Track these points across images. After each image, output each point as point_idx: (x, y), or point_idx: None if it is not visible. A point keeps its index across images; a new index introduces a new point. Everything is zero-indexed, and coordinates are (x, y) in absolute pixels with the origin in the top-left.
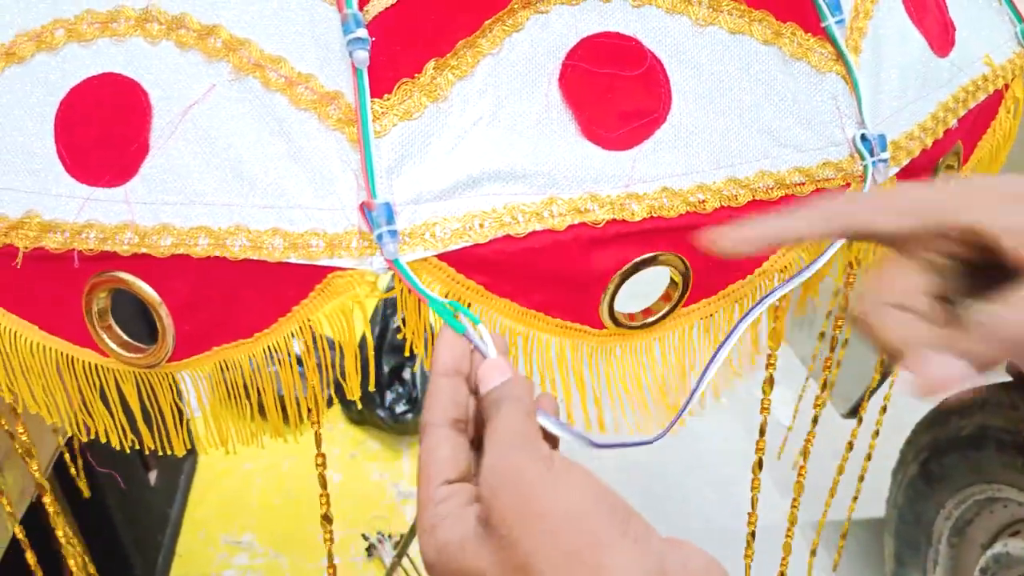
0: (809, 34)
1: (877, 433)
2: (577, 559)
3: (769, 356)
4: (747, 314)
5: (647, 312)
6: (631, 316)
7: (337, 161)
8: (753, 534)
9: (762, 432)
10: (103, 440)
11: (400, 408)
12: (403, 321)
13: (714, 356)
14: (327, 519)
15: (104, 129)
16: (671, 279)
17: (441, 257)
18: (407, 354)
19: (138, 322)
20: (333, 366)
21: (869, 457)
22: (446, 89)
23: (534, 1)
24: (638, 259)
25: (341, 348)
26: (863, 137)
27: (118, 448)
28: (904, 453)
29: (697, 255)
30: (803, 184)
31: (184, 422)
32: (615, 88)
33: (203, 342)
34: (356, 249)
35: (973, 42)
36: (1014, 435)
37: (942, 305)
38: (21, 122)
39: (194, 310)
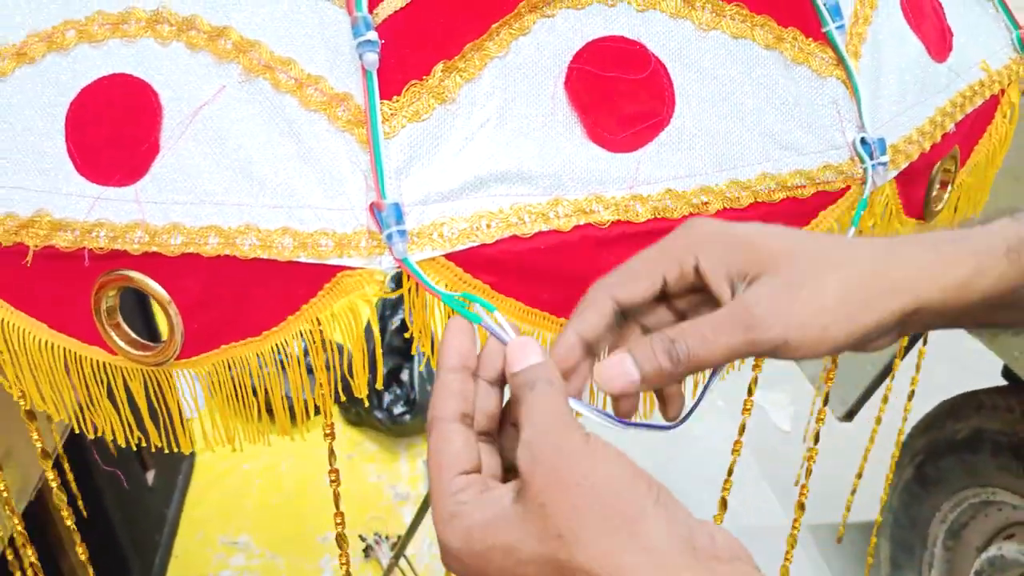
0: (810, 39)
1: (900, 437)
2: (614, 524)
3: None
4: None
5: None
6: None
7: (346, 162)
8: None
9: (741, 432)
10: (109, 438)
11: (398, 409)
12: (409, 320)
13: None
14: (343, 539)
15: (115, 129)
16: None
17: (448, 257)
18: (405, 356)
19: (134, 320)
20: (340, 365)
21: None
22: (454, 91)
23: (540, 5)
24: None
25: (340, 347)
26: (863, 141)
27: (124, 446)
28: (900, 456)
29: None
30: (804, 186)
31: (188, 420)
32: (620, 91)
33: (212, 340)
34: (365, 249)
35: (970, 48)
36: (1010, 438)
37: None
38: (32, 122)
39: (203, 308)
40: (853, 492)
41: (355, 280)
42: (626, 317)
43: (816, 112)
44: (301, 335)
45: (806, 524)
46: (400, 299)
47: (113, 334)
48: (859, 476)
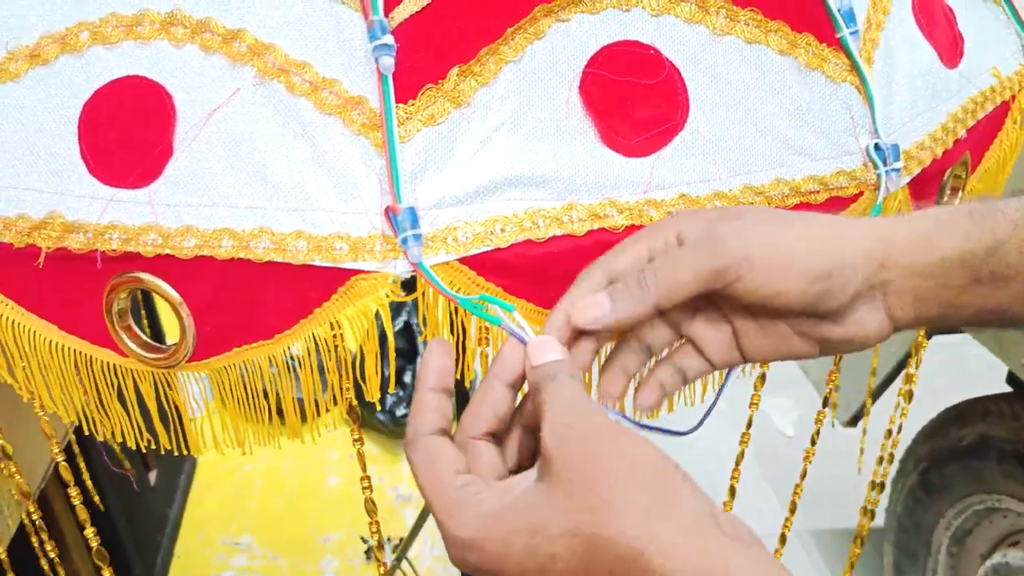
0: (824, 44)
1: (893, 437)
2: (646, 496)
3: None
4: None
5: None
6: None
7: (361, 165)
8: None
9: (748, 425)
10: (119, 440)
11: (400, 411)
12: (423, 325)
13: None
14: (380, 546)
15: (128, 131)
16: None
17: (462, 261)
18: (408, 358)
19: (138, 321)
20: (352, 368)
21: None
22: (469, 95)
23: (556, 10)
24: None
25: (344, 348)
26: (876, 147)
27: (133, 448)
28: (904, 462)
29: None
30: (817, 192)
31: (199, 423)
32: (634, 96)
33: (224, 343)
34: (380, 252)
35: (981, 54)
36: (1015, 445)
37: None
38: (45, 123)
39: (216, 311)
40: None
41: (369, 284)
42: None
43: (830, 118)
44: (314, 338)
45: (810, 529)
46: (401, 301)
47: (124, 336)
48: (875, 486)
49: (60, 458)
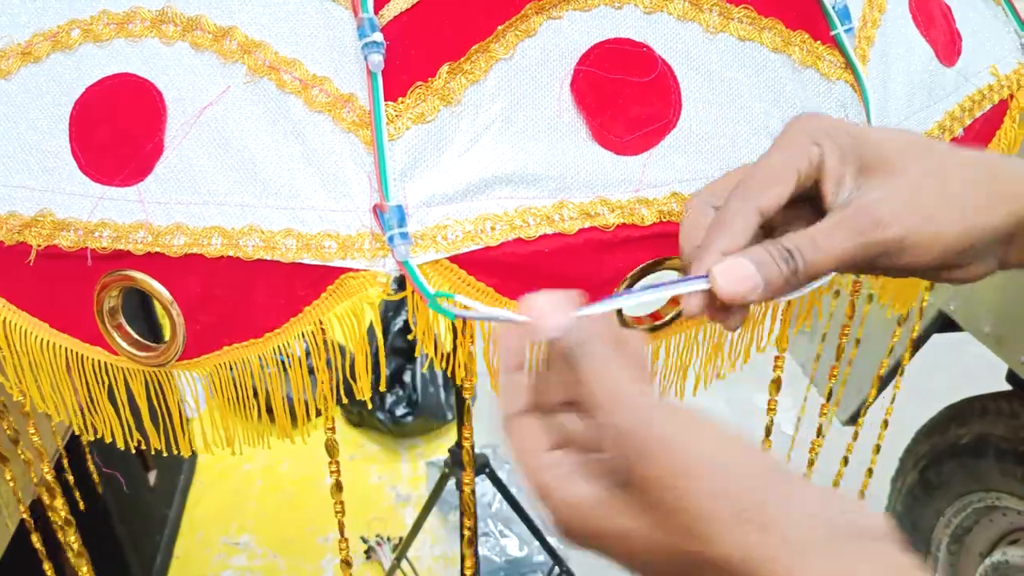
0: (818, 42)
1: (878, 447)
2: (742, 514)
3: (776, 359)
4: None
5: (655, 316)
6: (639, 320)
7: (351, 163)
8: None
9: (768, 433)
10: (108, 439)
11: (400, 411)
12: (413, 322)
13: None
14: (347, 564)
15: (119, 129)
16: None
17: (452, 259)
18: (408, 357)
19: (138, 322)
20: (341, 367)
21: (870, 473)
22: (459, 93)
23: (547, 7)
24: (647, 263)
25: (344, 349)
26: None
27: (123, 447)
28: (903, 461)
29: None
30: None
31: (189, 422)
32: (626, 94)
33: (214, 341)
34: (368, 250)
35: (979, 52)
36: (1014, 443)
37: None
38: (36, 121)
39: (206, 309)
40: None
41: (358, 282)
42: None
43: None
44: (303, 337)
45: None
46: (403, 300)
47: (115, 334)
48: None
49: (48, 474)
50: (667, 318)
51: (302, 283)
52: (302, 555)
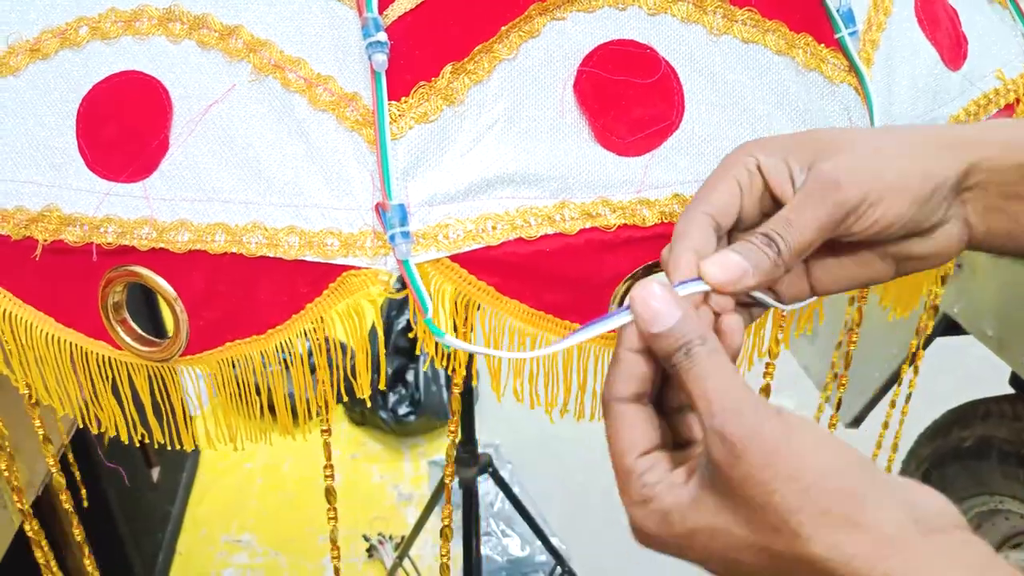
0: (823, 45)
1: (895, 445)
2: (835, 515)
3: (767, 365)
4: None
5: None
6: None
7: (354, 162)
8: None
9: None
10: (112, 433)
11: (403, 410)
12: (414, 321)
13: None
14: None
15: (125, 126)
16: None
17: (453, 258)
18: (410, 356)
19: (142, 319)
20: (341, 365)
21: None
22: (462, 93)
23: (551, 8)
24: (649, 263)
25: (346, 347)
26: None
27: (127, 442)
28: (906, 464)
29: None
30: None
31: (191, 418)
32: (629, 95)
33: (217, 337)
34: (370, 249)
35: (985, 56)
36: (1016, 447)
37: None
38: (44, 117)
39: (209, 305)
40: None
41: (360, 280)
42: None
43: (827, 119)
44: (305, 334)
45: None
46: (407, 299)
47: (119, 329)
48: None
49: (54, 468)
50: None
51: (304, 280)
52: (303, 553)
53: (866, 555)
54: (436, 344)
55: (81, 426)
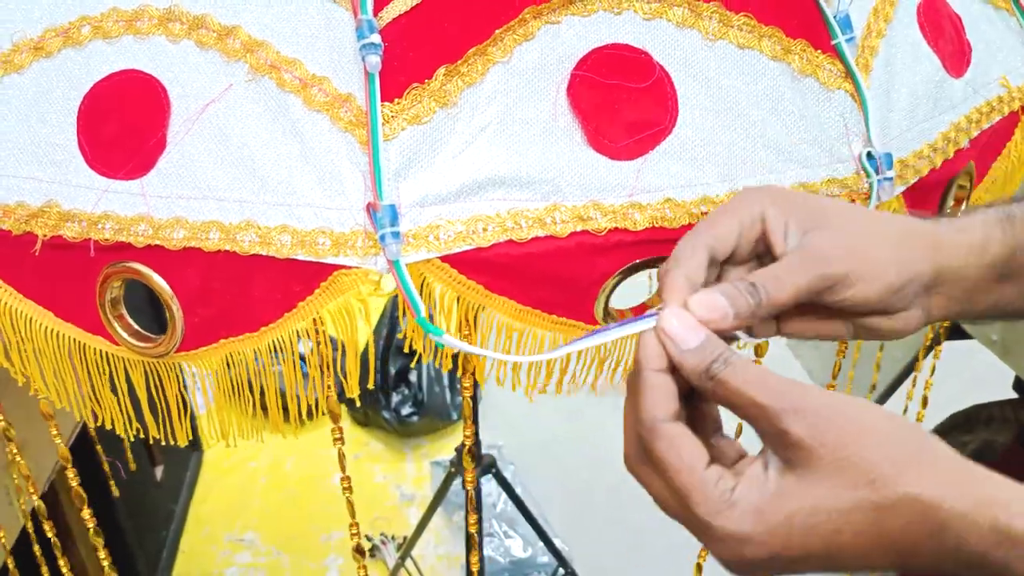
0: (819, 51)
1: None
2: (916, 457)
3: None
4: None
5: (640, 309)
6: (622, 313)
7: (347, 162)
8: None
9: (738, 435)
10: (109, 427)
11: (406, 410)
12: (403, 319)
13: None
14: (360, 552)
15: (124, 124)
16: None
17: (444, 259)
18: (414, 357)
19: (143, 314)
20: (334, 364)
21: None
22: (455, 95)
23: (545, 12)
24: (636, 262)
25: (343, 346)
26: (869, 155)
27: (122, 436)
28: None
29: None
30: None
31: (188, 413)
32: (622, 99)
33: (211, 333)
34: (361, 248)
35: (990, 63)
36: (1020, 451)
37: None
38: (46, 114)
39: (203, 302)
40: None
41: (351, 279)
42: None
43: (822, 125)
44: (298, 333)
45: None
46: None
47: (116, 325)
48: None
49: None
50: (652, 311)
51: (296, 279)
52: (306, 553)
53: (950, 485)
54: (425, 342)
55: (78, 420)
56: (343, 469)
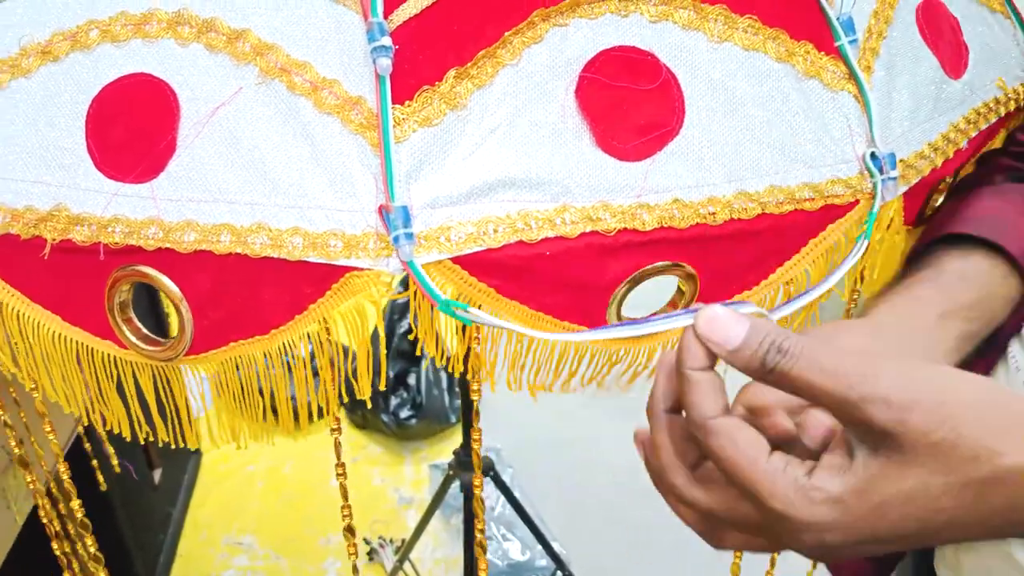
0: (823, 53)
1: None
2: (1011, 428)
3: None
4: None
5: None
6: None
7: (358, 164)
8: None
9: None
10: (116, 431)
11: (404, 413)
12: (415, 322)
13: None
14: (350, 530)
15: (133, 127)
16: (678, 287)
17: (454, 260)
18: (412, 359)
19: (148, 319)
20: (344, 366)
21: None
22: (465, 97)
23: (554, 14)
24: (648, 267)
25: (347, 349)
26: (873, 155)
27: (130, 440)
28: None
29: (704, 266)
30: (812, 199)
31: (195, 418)
32: (630, 101)
33: (221, 337)
34: (373, 250)
35: (986, 65)
36: None
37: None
38: (54, 118)
39: (214, 305)
40: None
41: (363, 281)
42: None
43: (826, 126)
44: (308, 336)
45: None
46: (408, 303)
47: (125, 328)
48: None
49: (62, 466)
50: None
51: (308, 281)
52: (304, 556)
53: None
54: (437, 345)
55: (85, 424)
56: (338, 456)
